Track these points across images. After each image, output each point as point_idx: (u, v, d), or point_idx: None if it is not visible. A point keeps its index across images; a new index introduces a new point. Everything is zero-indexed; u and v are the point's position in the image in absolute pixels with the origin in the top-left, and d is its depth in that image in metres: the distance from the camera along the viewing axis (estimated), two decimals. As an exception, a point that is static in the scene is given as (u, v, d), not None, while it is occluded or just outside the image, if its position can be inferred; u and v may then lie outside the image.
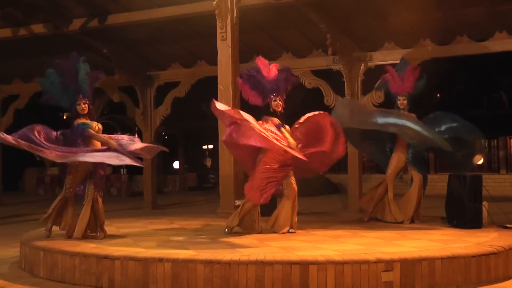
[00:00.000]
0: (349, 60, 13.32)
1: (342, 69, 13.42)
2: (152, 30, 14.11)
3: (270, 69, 8.55)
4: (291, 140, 8.22)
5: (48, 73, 8.26)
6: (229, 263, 6.17)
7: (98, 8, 13.26)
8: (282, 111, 8.51)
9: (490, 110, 26.03)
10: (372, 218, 9.96)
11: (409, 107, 9.76)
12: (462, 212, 8.74)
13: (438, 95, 28.35)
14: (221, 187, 10.92)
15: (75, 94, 8.15)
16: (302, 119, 8.53)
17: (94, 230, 8.16)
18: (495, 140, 24.65)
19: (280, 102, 8.48)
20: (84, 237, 8.00)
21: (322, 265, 6.05)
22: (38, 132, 7.85)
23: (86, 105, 8.14)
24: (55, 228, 8.33)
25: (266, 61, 8.58)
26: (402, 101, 9.74)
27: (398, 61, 10.54)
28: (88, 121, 8.14)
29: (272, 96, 8.47)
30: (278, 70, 8.60)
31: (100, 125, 8.27)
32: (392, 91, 9.98)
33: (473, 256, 6.50)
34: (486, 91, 26.81)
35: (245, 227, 8.50)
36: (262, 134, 7.53)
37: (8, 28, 14.05)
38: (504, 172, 23.34)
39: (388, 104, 10.76)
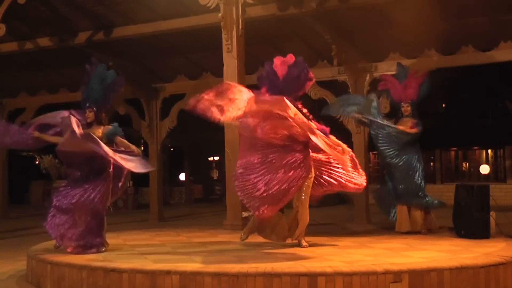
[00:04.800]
0: (354, 71, 13.33)
1: (347, 80, 13.43)
2: (157, 43, 14.15)
3: (282, 66, 8.01)
4: None
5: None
6: (237, 275, 6.15)
7: (103, 21, 13.32)
8: None
9: (496, 119, 25.96)
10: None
11: (413, 114, 9.76)
12: (470, 222, 8.69)
13: (443, 105, 28.30)
14: (228, 199, 10.89)
15: (85, 102, 8.19)
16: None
17: None
18: (501, 150, 24.58)
19: None
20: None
21: (330, 276, 6.04)
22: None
23: (92, 113, 8.14)
24: None
25: (281, 59, 8.07)
26: (406, 108, 9.75)
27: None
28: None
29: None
30: (289, 66, 8.01)
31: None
32: (394, 99, 10.01)
33: (482, 267, 6.48)
34: (491, 101, 26.74)
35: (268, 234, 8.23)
36: None
37: (14, 42, 14.09)
38: (511, 181, 23.24)
39: (393, 112, 10.77)
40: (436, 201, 9.69)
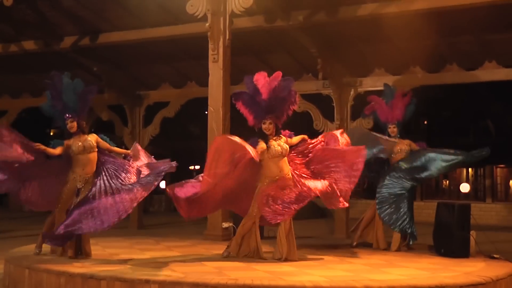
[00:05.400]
0: (339, 85, 13.37)
1: (332, 93, 13.47)
2: (143, 50, 14.09)
3: (266, 83, 7.77)
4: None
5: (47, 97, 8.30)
6: (216, 287, 6.12)
7: (90, 26, 13.26)
8: (273, 135, 7.93)
9: (477, 138, 26.15)
10: (360, 243, 9.93)
11: (400, 134, 9.80)
12: (450, 241, 8.73)
13: (425, 122, 28.48)
14: (208, 209, 10.81)
15: (63, 113, 8.13)
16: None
17: (76, 252, 8.05)
18: (482, 169, 24.72)
19: (271, 125, 7.86)
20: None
21: (310, 291, 6.02)
22: None
23: (74, 123, 8.09)
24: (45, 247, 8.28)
25: (264, 75, 7.89)
26: (392, 129, 9.78)
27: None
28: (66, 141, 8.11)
29: (266, 117, 7.83)
30: (275, 85, 7.76)
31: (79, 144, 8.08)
32: (380, 119, 10.00)
33: (461, 286, 6.47)
34: (473, 119, 26.97)
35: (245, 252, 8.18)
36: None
37: (-1, 44, 14.03)
38: (490, 201, 23.37)
39: (377, 130, 10.76)
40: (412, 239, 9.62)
